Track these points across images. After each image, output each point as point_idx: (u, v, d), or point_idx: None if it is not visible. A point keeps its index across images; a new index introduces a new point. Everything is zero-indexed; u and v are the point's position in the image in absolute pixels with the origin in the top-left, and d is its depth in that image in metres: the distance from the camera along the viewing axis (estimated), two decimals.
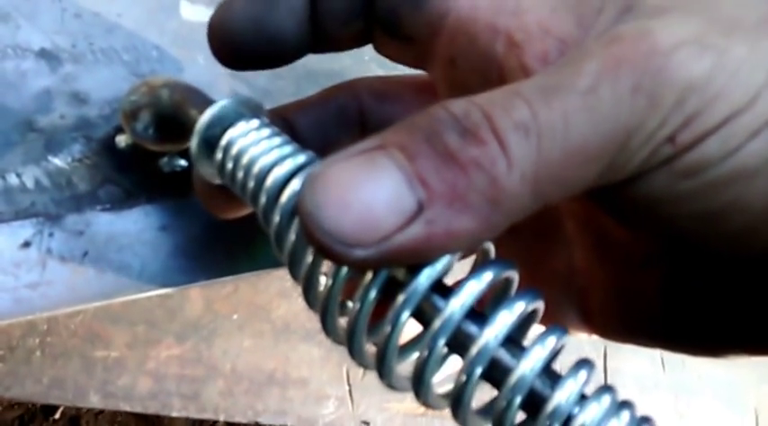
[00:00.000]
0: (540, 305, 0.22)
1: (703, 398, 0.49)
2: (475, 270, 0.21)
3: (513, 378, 0.21)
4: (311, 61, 0.39)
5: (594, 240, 0.25)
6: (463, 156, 0.17)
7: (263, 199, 0.25)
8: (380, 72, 0.39)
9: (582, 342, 0.47)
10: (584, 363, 0.21)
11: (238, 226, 0.32)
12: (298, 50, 0.26)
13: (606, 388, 0.21)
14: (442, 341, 0.21)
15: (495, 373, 0.21)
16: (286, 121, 0.28)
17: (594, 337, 0.45)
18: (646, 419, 0.21)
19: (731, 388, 0.50)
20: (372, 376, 0.40)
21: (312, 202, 0.18)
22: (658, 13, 0.19)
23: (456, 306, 0.21)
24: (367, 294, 0.21)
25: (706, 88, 0.18)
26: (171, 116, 0.29)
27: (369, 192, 0.18)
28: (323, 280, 0.23)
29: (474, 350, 0.21)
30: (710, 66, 0.18)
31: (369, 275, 0.21)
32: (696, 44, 0.18)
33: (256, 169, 0.25)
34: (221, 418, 0.36)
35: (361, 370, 0.41)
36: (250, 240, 0.33)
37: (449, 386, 0.22)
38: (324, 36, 0.26)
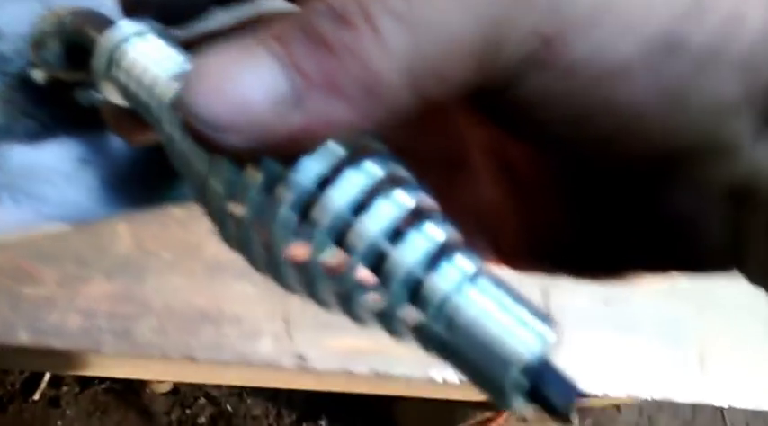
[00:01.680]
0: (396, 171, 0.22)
1: (646, 334, 0.50)
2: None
3: (393, 268, 0.21)
4: None
5: (500, 170, 0.26)
6: (334, 41, 0.17)
7: (178, 104, 0.25)
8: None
9: (522, 281, 0.47)
10: (465, 250, 0.21)
11: (160, 158, 0.32)
12: (204, 4, 0.26)
13: (490, 276, 0.21)
14: (325, 231, 0.21)
15: (379, 265, 0.21)
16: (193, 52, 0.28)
17: (533, 275, 0.46)
18: (539, 313, 0.21)
19: (674, 324, 0.51)
20: (311, 313, 0.40)
21: (187, 92, 0.18)
22: None
23: (337, 197, 0.21)
24: (252, 189, 0.21)
25: None
26: (77, 42, 0.29)
27: (243, 79, 0.18)
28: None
29: (357, 239, 0.21)
30: None
31: (258, 174, 0.21)
32: None
33: (158, 88, 0.25)
34: (154, 353, 0.36)
35: (298, 307, 0.41)
36: (169, 171, 0.33)
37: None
38: None
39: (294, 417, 1.47)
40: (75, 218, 0.32)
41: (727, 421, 1.82)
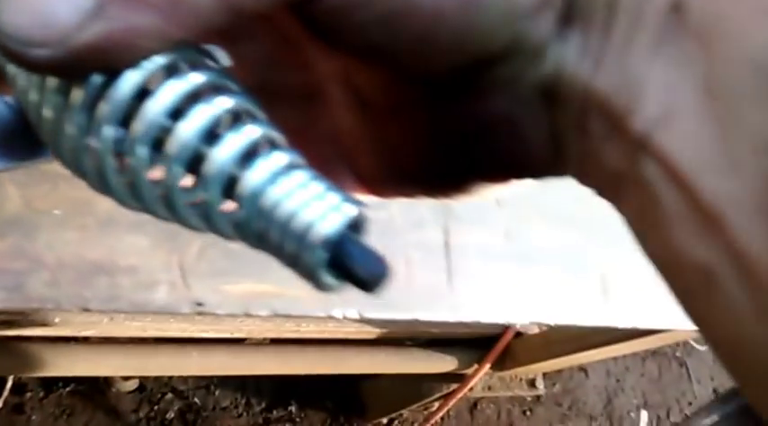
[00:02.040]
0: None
1: (549, 266, 0.52)
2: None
3: (208, 166, 0.22)
4: None
5: (353, 97, 0.27)
6: None
7: None
8: None
9: (423, 219, 0.49)
10: (282, 148, 0.23)
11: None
12: None
13: (303, 167, 0.22)
14: (144, 142, 0.22)
15: (197, 167, 0.22)
16: None
17: (434, 211, 0.47)
18: (341, 192, 0.22)
19: (576, 255, 0.53)
20: (206, 261, 0.41)
21: None
22: None
23: (153, 106, 0.22)
24: (75, 108, 0.22)
25: None
26: None
27: None
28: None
29: (173, 143, 0.22)
30: None
31: (81, 92, 0.22)
32: None
33: None
34: (48, 306, 0.37)
35: (194, 257, 0.43)
36: None
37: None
38: None
39: (264, 405, 1.48)
40: None
41: (693, 378, 1.86)
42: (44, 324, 0.98)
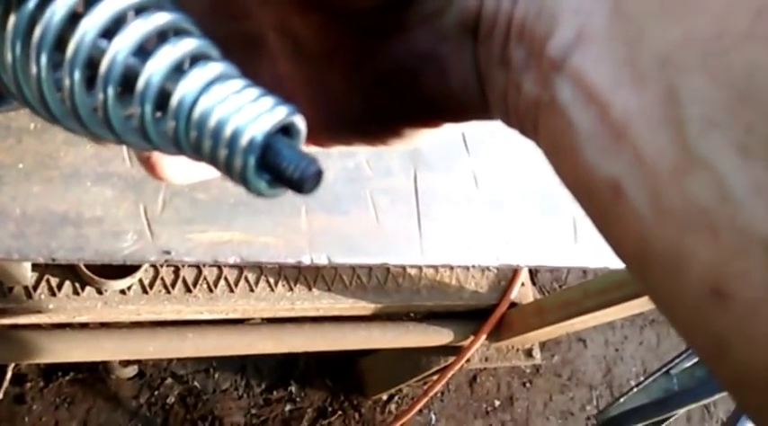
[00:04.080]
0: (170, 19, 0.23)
1: (519, 210, 0.52)
2: None
3: (141, 80, 0.22)
4: None
5: (291, 44, 0.27)
6: None
7: None
8: None
9: (391, 166, 0.49)
10: (221, 61, 0.23)
11: None
12: None
13: (240, 78, 0.23)
14: (77, 65, 0.22)
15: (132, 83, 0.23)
16: None
17: (402, 158, 0.47)
18: (275, 98, 0.22)
19: (547, 198, 0.53)
20: (172, 210, 0.42)
21: None
22: None
23: (87, 24, 0.22)
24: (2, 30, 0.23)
25: None
26: None
27: None
28: None
29: (104, 62, 0.22)
30: None
31: (12, 19, 0.22)
32: None
33: None
34: (15, 257, 0.38)
35: (159, 206, 0.43)
36: None
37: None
38: None
39: (263, 386, 1.49)
40: None
41: None
42: (38, 311, 0.99)
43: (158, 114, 0.23)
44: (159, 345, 1.14)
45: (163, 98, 0.23)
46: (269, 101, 0.22)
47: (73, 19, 0.23)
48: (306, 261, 0.44)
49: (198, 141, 0.22)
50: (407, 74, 0.24)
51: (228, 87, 0.22)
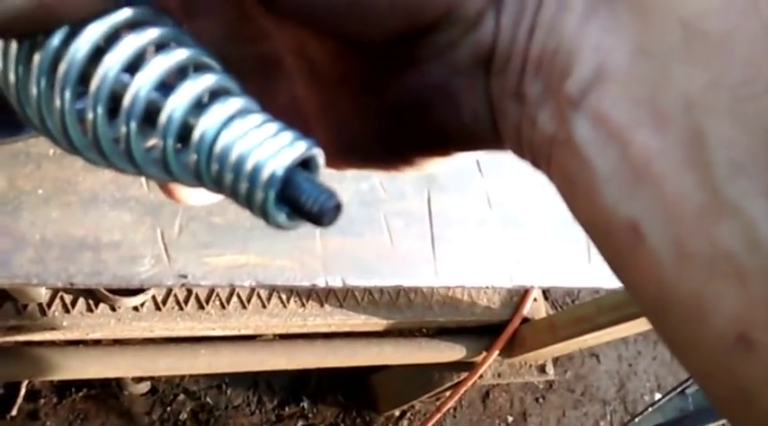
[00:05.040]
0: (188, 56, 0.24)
1: (533, 231, 0.52)
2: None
3: (164, 114, 0.23)
4: None
5: (307, 69, 0.27)
6: None
7: None
8: None
9: (404, 188, 0.49)
10: (242, 95, 0.23)
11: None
12: None
13: (260, 112, 0.23)
14: (101, 100, 0.23)
15: (154, 117, 0.23)
16: None
17: (416, 181, 0.48)
18: (294, 132, 0.23)
19: (559, 218, 0.53)
20: (189, 234, 0.42)
21: None
22: None
23: (110, 61, 0.23)
24: (36, 67, 0.23)
25: None
26: None
27: None
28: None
29: (127, 97, 0.23)
30: None
31: (38, 52, 0.23)
32: None
33: None
34: (34, 282, 0.38)
35: (176, 230, 0.43)
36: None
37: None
38: None
39: (276, 402, 1.49)
40: None
41: None
42: (52, 328, 1.00)
43: (179, 146, 0.23)
44: (172, 362, 1.15)
45: (184, 132, 0.23)
46: (288, 135, 0.22)
47: (96, 54, 0.23)
48: (321, 283, 0.44)
49: (219, 174, 0.23)
50: (419, 104, 0.24)
51: (249, 122, 0.22)
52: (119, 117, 0.24)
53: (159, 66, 0.23)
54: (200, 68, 0.25)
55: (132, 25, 0.23)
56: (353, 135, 0.27)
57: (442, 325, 1.28)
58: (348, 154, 0.27)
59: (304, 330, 1.18)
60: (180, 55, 0.23)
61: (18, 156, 0.39)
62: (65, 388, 1.38)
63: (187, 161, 0.24)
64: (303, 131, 0.28)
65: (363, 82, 0.25)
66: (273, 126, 0.22)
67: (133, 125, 0.23)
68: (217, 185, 0.23)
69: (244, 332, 1.14)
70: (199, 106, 0.23)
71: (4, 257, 0.38)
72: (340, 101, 0.27)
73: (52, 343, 1.10)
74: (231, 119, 0.23)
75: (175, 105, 0.23)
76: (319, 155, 0.23)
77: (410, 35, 0.22)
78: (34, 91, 0.24)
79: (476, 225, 0.50)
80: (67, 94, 0.23)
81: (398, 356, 1.30)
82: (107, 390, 1.39)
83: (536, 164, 0.22)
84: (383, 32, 0.22)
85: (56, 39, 0.22)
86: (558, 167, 0.20)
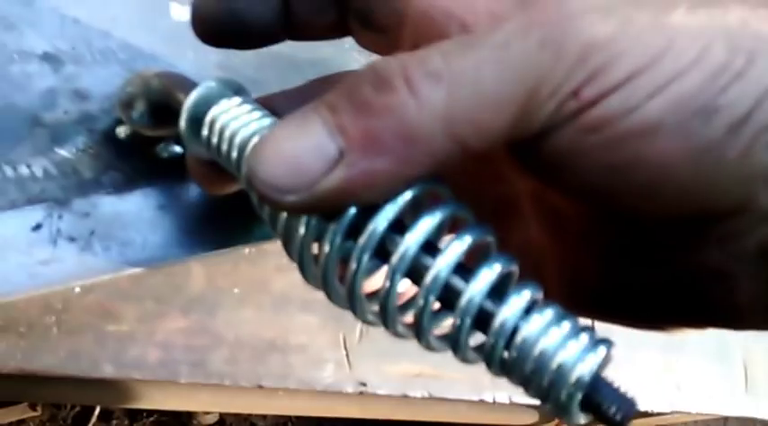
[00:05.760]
0: (487, 239, 0.24)
1: (691, 354, 0.51)
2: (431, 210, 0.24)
3: (463, 300, 0.23)
4: (295, 51, 0.42)
5: (547, 217, 0.27)
6: (375, 104, 0.20)
7: (244, 168, 0.28)
8: (361, 60, 0.42)
9: None
10: (529, 283, 0.24)
11: (232, 203, 0.35)
12: (272, 34, 0.28)
13: (549, 303, 0.23)
14: (399, 273, 0.24)
15: (449, 298, 0.24)
16: (272, 110, 0.31)
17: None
18: (589, 331, 0.23)
19: (718, 343, 0.52)
20: (369, 340, 0.43)
21: (253, 157, 0.21)
22: None
23: (410, 240, 0.23)
24: (333, 237, 0.24)
25: (609, 47, 0.19)
26: (162, 102, 0.32)
27: (297, 144, 0.21)
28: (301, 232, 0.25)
29: (428, 277, 0.23)
30: (614, 28, 0.19)
31: (333, 222, 0.24)
32: (603, 10, 0.20)
33: (237, 140, 0.28)
34: (226, 383, 0.39)
35: (357, 335, 0.44)
36: (244, 215, 0.36)
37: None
38: (298, 23, 0.28)
39: None
40: (156, 262, 0.35)
41: None
42: None
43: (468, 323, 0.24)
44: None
45: (480, 315, 0.24)
46: (586, 336, 0.23)
47: (393, 229, 0.24)
48: (488, 399, 0.44)
49: (515, 363, 0.23)
50: (684, 282, 0.24)
51: (545, 316, 0.23)
52: (417, 295, 0.25)
53: (456, 249, 0.24)
54: (487, 249, 0.25)
55: (420, 203, 0.24)
56: (588, 286, 0.26)
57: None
58: (577, 302, 0.26)
59: None
60: (469, 239, 0.24)
61: (217, 254, 0.40)
62: (136, 411, 1.40)
63: (483, 343, 0.24)
64: (533, 275, 0.28)
65: (614, 244, 0.25)
66: (568, 323, 0.23)
67: (430, 300, 0.24)
68: (502, 369, 0.24)
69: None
70: (494, 293, 0.24)
71: (202, 356, 0.39)
72: (579, 251, 0.26)
73: None
74: (529, 311, 0.23)
75: (475, 291, 0.23)
76: (610, 355, 0.24)
77: (692, 221, 0.22)
78: (325, 251, 0.24)
79: (637, 346, 0.50)
80: (363, 261, 0.24)
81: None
82: (177, 419, 1.40)
83: None
84: (662, 215, 0.22)
85: (352, 210, 0.23)
86: None
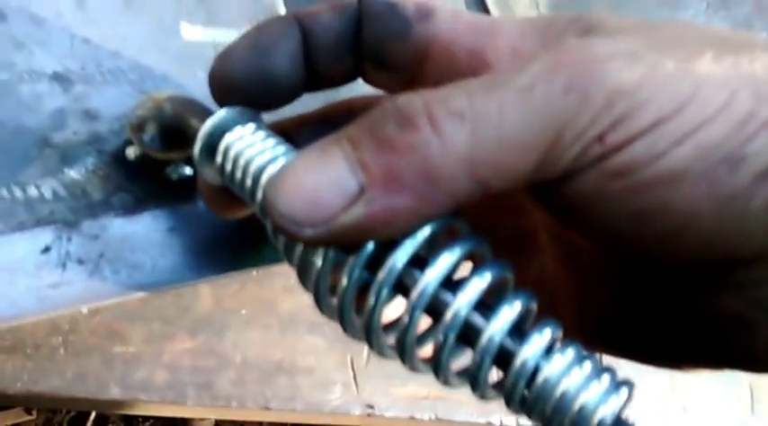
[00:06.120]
0: (507, 275, 0.24)
1: (697, 376, 0.51)
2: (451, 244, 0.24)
3: (484, 338, 0.23)
4: None
5: (563, 251, 0.27)
6: (398, 142, 0.20)
7: (259, 196, 0.28)
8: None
9: None
10: (549, 321, 0.24)
11: (243, 226, 0.35)
12: (295, 91, 0.28)
13: (570, 343, 0.23)
14: (419, 309, 0.23)
15: (469, 334, 0.24)
16: (286, 135, 0.30)
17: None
18: (610, 372, 0.23)
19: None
20: (376, 362, 0.42)
21: (271, 188, 0.21)
22: (608, 33, 0.21)
23: (430, 276, 0.23)
24: (351, 271, 0.24)
25: (635, 94, 0.19)
26: (174, 126, 0.32)
27: (317, 178, 0.20)
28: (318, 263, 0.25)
29: (448, 314, 0.23)
30: (640, 74, 0.19)
31: (352, 256, 0.24)
32: (630, 56, 0.20)
33: (252, 168, 0.27)
34: (233, 405, 0.39)
35: (365, 358, 0.44)
36: (254, 238, 0.36)
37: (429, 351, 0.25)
38: (318, 75, 0.27)
39: None
40: (166, 285, 0.35)
41: None
42: None
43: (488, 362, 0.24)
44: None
45: (501, 353, 0.23)
46: (608, 378, 0.23)
47: (412, 263, 0.24)
48: (495, 422, 0.44)
49: (536, 402, 0.23)
50: (702, 326, 0.23)
51: (567, 356, 0.23)
52: (435, 329, 0.24)
53: (476, 287, 0.23)
54: (506, 286, 0.25)
55: (437, 239, 0.24)
56: (603, 320, 0.26)
57: None
58: (591, 336, 0.26)
59: None
60: (489, 276, 0.23)
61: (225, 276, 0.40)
62: (133, 417, 1.39)
63: (501, 382, 0.24)
64: (547, 306, 0.28)
65: (632, 282, 0.25)
66: (590, 364, 0.23)
67: (450, 338, 0.24)
68: (522, 407, 0.24)
69: None
70: (515, 332, 0.23)
71: (209, 378, 0.39)
72: (595, 286, 0.26)
73: None
74: (550, 351, 0.23)
75: (495, 330, 0.23)
76: (632, 396, 0.23)
77: (714, 266, 0.22)
78: (343, 284, 0.24)
79: (643, 367, 0.50)
80: (382, 296, 0.24)
81: None
82: (172, 423, 1.40)
83: None
84: (684, 259, 0.22)
85: (370, 247, 0.23)
86: None
